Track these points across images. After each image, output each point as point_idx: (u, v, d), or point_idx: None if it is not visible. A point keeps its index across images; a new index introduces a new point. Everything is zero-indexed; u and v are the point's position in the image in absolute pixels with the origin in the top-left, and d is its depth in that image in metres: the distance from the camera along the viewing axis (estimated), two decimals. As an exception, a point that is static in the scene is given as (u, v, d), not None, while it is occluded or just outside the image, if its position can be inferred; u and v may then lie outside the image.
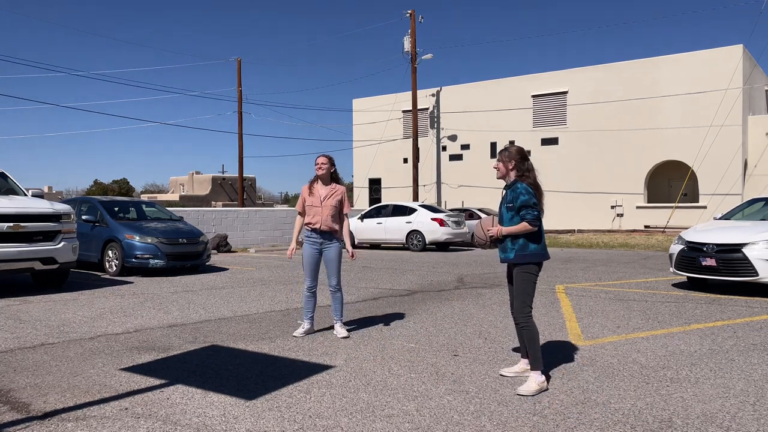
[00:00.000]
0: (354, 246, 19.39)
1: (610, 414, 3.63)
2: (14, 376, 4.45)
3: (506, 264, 4.36)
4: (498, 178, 4.48)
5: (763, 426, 3.42)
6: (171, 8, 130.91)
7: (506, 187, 4.38)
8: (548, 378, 4.33)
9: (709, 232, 8.87)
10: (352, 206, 34.18)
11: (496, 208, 23.91)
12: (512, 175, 4.35)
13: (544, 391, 4.05)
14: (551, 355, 5.03)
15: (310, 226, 5.76)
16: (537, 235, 4.22)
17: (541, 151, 26.90)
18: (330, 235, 5.77)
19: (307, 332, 5.88)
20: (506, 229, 4.22)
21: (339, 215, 5.84)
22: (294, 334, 5.82)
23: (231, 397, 3.95)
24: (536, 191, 4.24)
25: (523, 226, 4.15)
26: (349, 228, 6.07)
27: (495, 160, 4.72)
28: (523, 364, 4.46)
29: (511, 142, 26.88)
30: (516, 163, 4.33)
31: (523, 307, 4.24)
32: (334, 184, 5.85)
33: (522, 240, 4.21)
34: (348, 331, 5.95)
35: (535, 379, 4.09)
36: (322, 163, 5.77)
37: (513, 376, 4.41)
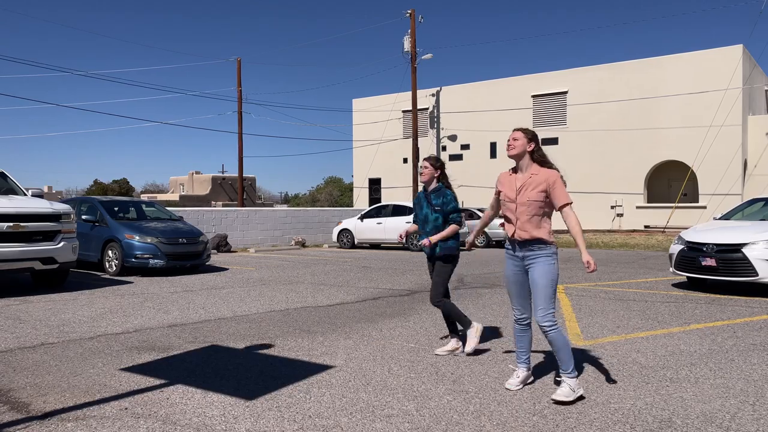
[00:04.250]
0: (353, 246, 19.64)
1: (610, 414, 3.63)
2: (14, 376, 4.45)
3: (428, 256, 5.10)
4: (423, 182, 5.08)
5: (763, 426, 3.42)
6: (171, 8, 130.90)
7: (432, 191, 5.03)
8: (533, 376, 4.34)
9: (709, 232, 8.88)
10: (352, 206, 34.22)
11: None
12: (435, 181, 5.04)
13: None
14: (551, 355, 5.03)
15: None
16: (456, 234, 5.00)
17: (541, 151, 26.90)
18: (531, 244, 3.95)
19: (524, 381, 4.19)
20: (437, 237, 4.93)
21: (546, 213, 3.97)
22: (507, 385, 4.15)
23: (231, 397, 3.95)
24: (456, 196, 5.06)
25: (453, 228, 4.94)
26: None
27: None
28: (454, 342, 5.10)
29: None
30: (441, 172, 5.04)
31: (437, 292, 5.00)
32: (536, 166, 4.00)
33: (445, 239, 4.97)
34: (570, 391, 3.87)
35: (473, 331, 5.02)
36: (513, 138, 4.05)
37: (445, 354, 5.04)
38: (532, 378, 4.31)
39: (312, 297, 8.51)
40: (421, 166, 5.10)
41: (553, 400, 3.78)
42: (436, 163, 5.07)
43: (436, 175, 5.06)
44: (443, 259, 4.99)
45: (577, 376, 3.88)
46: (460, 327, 5.19)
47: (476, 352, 5.08)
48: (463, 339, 5.18)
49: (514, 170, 4.09)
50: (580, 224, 3.92)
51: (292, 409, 3.71)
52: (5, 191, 9.47)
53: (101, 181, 60.28)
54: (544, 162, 3.98)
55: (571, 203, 3.91)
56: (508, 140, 4.06)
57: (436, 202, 4.98)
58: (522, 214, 3.93)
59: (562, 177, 3.97)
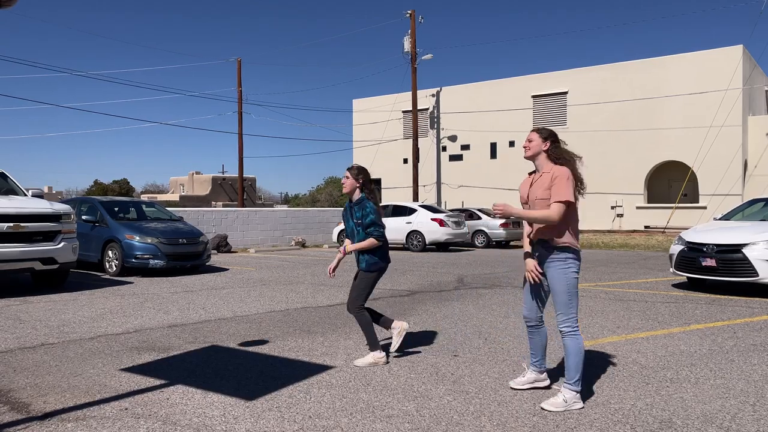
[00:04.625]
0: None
1: (610, 414, 3.63)
2: (14, 376, 4.45)
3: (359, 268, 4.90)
4: (345, 192, 4.91)
5: (763, 426, 3.42)
6: (171, 8, 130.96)
7: (355, 203, 4.85)
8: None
9: (709, 232, 8.88)
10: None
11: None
12: (357, 192, 4.86)
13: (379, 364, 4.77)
14: (550, 356, 5.03)
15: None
16: (381, 247, 4.81)
17: (541, 151, 26.90)
18: (555, 248, 3.82)
19: (531, 383, 4.13)
20: (353, 246, 4.81)
21: (567, 218, 3.80)
22: (511, 383, 4.18)
23: (231, 397, 3.95)
24: (378, 208, 4.82)
25: (370, 242, 4.73)
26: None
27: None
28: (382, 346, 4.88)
29: (511, 143, 26.71)
30: (363, 182, 4.85)
31: (356, 303, 4.82)
32: (550, 164, 3.89)
33: (369, 252, 4.79)
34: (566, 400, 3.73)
35: (373, 355, 4.77)
36: (528, 140, 4.01)
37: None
38: (546, 383, 4.10)
39: (312, 297, 8.51)
40: (342, 177, 4.94)
41: (541, 406, 3.72)
42: (357, 174, 4.84)
43: (357, 185, 4.85)
44: (367, 270, 4.83)
45: (578, 391, 3.72)
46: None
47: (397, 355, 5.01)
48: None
49: (533, 173, 3.99)
50: (549, 217, 3.67)
51: (292, 410, 3.71)
52: (5, 191, 9.48)
53: (101, 182, 60.30)
54: (558, 159, 3.85)
55: (566, 202, 3.67)
56: (525, 142, 3.99)
57: (357, 215, 4.80)
58: None
59: (576, 176, 3.80)
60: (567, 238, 3.78)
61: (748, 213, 10.04)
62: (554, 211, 3.69)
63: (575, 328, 3.77)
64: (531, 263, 3.93)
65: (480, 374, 4.50)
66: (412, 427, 3.42)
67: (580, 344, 3.77)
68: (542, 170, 3.88)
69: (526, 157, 3.96)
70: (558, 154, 3.86)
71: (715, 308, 7.44)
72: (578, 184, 3.83)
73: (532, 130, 3.99)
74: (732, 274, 8.29)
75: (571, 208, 3.76)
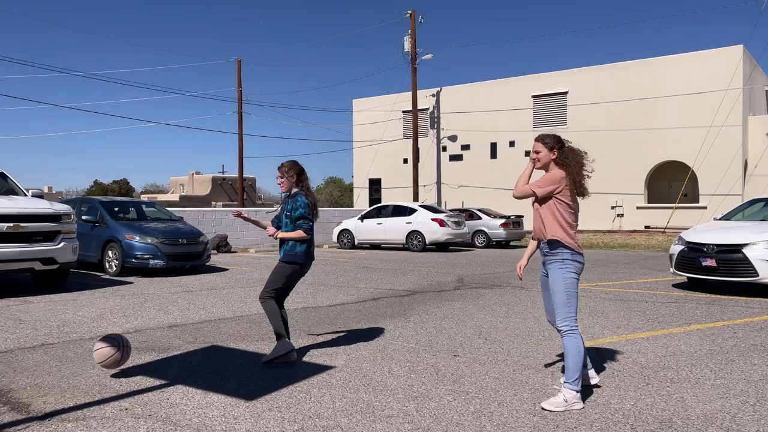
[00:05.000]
0: (353, 246, 19.60)
1: (610, 414, 3.63)
2: (14, 376, 4.45)
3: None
4: (283, 191, 5.06)
5: (764, 426, 3.42)
6: (171, 8, 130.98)
7: (290, 196, 4.99)
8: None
9: (709, 232, 8.88)
10: (352, 206, 34.21)
11: (496, 208, 23.94)
12: (294, 187, 4.99)
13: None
14: (549, 355, 5.04)
15: None
16: (305, 242, 4.92)
17: (541, 151, 26.87)
18: (548, 245, 3.96)
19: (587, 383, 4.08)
20: (282, 234, 4.90)
21: (556, 214, 3.91)
22: (562, 381, 4.00)
23: (231, 397, 3.95)
24: (311, 202, 4.94)
25: (299, 233, 4.86)
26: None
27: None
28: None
29: (512, 143, 26.66)
30: (297, 177, 4.97)
31: (266, 290, 4.89)
32: (556, 168, 4.01)
33: (292, 243, 4.90)
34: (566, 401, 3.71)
35: (279, 345, 4.77)
36: (535, 151, 4.09)
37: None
38: (596, 380, 4.12)
39: (312, 297, 8.51)
40: (276, 177, 5.03)
41: (541, 406, 3.73)
42: (289, 170, 4.96)
43: (293, 181, 4.97)
44: (284, 260, 4.90)
45: (578, 391, 3.73)
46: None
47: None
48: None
49: None
50: (517, 187, 3.96)
51: (292, 410, 3.70)
52: (5, 192, 9.48)
53: (101, 182, 60.30)
54: (563, 165, 3.95)
55: (532, 190, 3.88)
56: (532, 153, 4.07)
57: (288, 207, 4.92)
58: (537, 217, 4.00)
59: (576, 180, 3.91)
60: (557, 233, 3.87)
61: (748, 213, 10.04)
62: (525, 188, 3.95)
63: (573, 328, 3.81)
64: (520, 262, 4.24)
65: (480, 374, 4.50)
66: (412, 427, 3.42)
67: (579, 344, 3.79)
68: None
69: (538, 169, 4.08)
70: (564, 159, 3.96)
71: (716, 308, 7.44)
72: (578, 186, 3.96)
73: (537, 140, 4.05)
74: (732, 274, 8.29)
75: (545, 202, 3.91)
